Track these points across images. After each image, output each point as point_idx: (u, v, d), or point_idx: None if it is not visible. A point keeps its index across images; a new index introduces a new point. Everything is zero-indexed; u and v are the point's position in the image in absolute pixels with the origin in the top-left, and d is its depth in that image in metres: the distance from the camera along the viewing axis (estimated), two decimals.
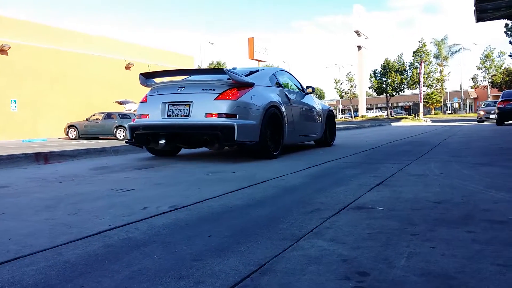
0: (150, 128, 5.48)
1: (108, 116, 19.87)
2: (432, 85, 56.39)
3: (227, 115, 5.04)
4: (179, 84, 5.54)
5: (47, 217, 2.46)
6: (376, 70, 57.79)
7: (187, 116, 5.22)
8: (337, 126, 9.05)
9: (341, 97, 65.12)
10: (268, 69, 6.77)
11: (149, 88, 5.93)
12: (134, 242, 1.93)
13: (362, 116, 52.41)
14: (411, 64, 55.08)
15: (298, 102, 6.72)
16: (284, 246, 1.83)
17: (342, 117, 69.59)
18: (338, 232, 2.02)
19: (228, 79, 5.25)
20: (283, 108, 5.90)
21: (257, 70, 6.32)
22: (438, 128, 16.97)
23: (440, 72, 58.04)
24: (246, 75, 5.80)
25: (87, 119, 20.46)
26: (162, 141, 5.40)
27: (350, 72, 60.87)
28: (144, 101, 5.78)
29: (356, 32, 49.43)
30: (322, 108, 7.78)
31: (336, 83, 61.22)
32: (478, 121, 24.17)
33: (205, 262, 1.66)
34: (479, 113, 24.75)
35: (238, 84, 5.28)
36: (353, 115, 60.31)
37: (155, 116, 5.48)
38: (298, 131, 6.58)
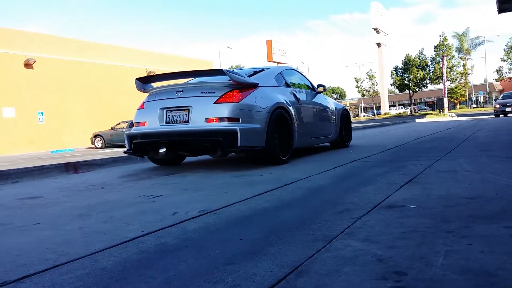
0: (148, 137, 5.13)
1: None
2: (456, 79, 55.18)
3: (229, 119, 4.67)
4: (177, 88, 5.17)
5: (80, 225, 2.51)
6: (397, 66, 56.92)
7: (187, 122, 4.86)
8: (360, 125, 8.94)
9: (363, 95, 64.42)
10: (274, 68, 6.35)
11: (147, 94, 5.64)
12: (167, 247, 1.95)
13: (385, 114, 51.77)
14: (433, 59, 54.02)
15: (308, 102, 6.36)
16: (317, 247, 1.81)
17: (365, 116, 68.86)
18: (370, 232, 1.99)
19: (229, 80, 4.89)
20: (291, 109, 5.53)
21: (262, 70, 5.94)
22: (463, 122, 16.62)
23: (463, 65, 56.83)
24: (250, 75, 5.47)
25: (112, 128, 20.83)
26: (162, 150, 5.07)
27: (370, 69, 59.89)
28: (141, 107, 5.45)
29: (375, 29, 48.89)
30: (335, 107, 7.37)
31: (357, 81, 60.54)
32: (495, 115, 22.39)
33: (239, 265, 1.66)
34: (495, 106, 22.99)
35: (240, 85, 4.91)
36: (375, 113, 59.52)
37: (153, 123, 5.13)
38: (310, 133, 6.21)
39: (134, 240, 2.09)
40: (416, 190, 2.97)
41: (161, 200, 3.20)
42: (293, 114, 5.57)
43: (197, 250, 1.89)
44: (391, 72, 56.86)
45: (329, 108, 7.07)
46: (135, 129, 5.35)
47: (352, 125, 8.79)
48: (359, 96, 69.09)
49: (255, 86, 5.12)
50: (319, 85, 7.00)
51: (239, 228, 2.25)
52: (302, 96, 6.19)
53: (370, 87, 59.67)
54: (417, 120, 24.93)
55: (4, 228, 2.58)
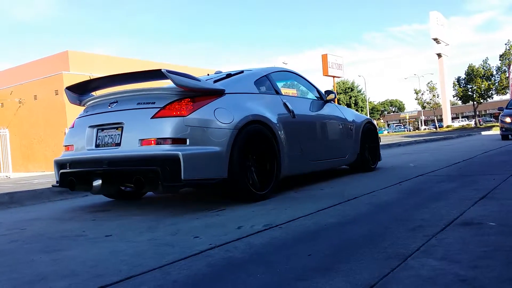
0: (75, 165, 3.87)
1: None
2: None
3: (173, 141, 3.33)
4: (111, 98, 3.91)
5: (150, 237, 2.57)
6: (460, 77, 54.67)
7: (119, 144, 3.58)
8: (422, 138, 8.52)
9: (423, 107, 62.17)
10: (259, 69, 4.80)
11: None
12: (235, 261, 1.95)
13: (448, 127, 49.54)
14: (499, 68, 51.24)
15: (308, 114, 4.96)
16: (392, 265, 1.73)
17: (426, 128, 66.23)
18: (448, 250, 1.87)
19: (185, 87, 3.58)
20: (277, 124, 4.15)
21: (241, 72, 4.60)
22: None
23: None
24: (218, 80, 4.18)
25: None
26: (97, 182, 3.61)
27: (431, 81, 58.18)
28: (72, 126, 4.21)
29: (435, 39, 47.30)
30: (354, 120, 5.81)
31: (417, 93, 58.60)
32: (503, 136, 13.62)
33: (310, 282, 1.62)
34: (502, 121, 13.58)
35: (193, 92, 3.58)
36: (437, 126, 57.14)
37: (80, 147, 3.91)
38: (310, 155, 4.71)
39: (203, 253, 2.11)
40: (493, 206, 2.78)
41: (225, 214, 3.22)
42: (280, 131, 4.19)
43: (266, 265, 1.87)
44: (453, 83, 54.71)
45: (343, 121, 5.56)
46: (64, 155, 4.07)
47: (413, 139, 8.42)
48: (419, 108, 66.77)
49: (219, 93, 3.81)
50: (327, 92, 5.48)
51: (305, 243, 2.20)
52: (298, 106, 4.75)
53: (431, 99, 57.55)
54: (483, 133, 23.62)
55: (79, 240, 2.70)
